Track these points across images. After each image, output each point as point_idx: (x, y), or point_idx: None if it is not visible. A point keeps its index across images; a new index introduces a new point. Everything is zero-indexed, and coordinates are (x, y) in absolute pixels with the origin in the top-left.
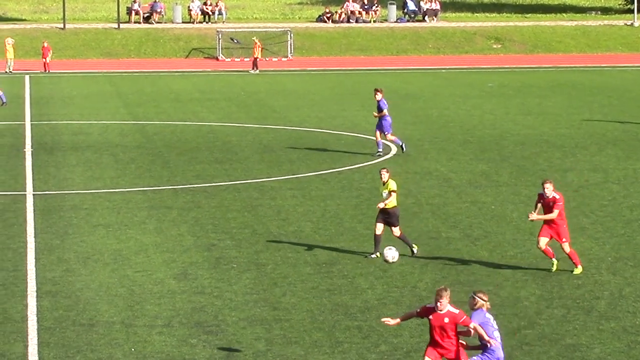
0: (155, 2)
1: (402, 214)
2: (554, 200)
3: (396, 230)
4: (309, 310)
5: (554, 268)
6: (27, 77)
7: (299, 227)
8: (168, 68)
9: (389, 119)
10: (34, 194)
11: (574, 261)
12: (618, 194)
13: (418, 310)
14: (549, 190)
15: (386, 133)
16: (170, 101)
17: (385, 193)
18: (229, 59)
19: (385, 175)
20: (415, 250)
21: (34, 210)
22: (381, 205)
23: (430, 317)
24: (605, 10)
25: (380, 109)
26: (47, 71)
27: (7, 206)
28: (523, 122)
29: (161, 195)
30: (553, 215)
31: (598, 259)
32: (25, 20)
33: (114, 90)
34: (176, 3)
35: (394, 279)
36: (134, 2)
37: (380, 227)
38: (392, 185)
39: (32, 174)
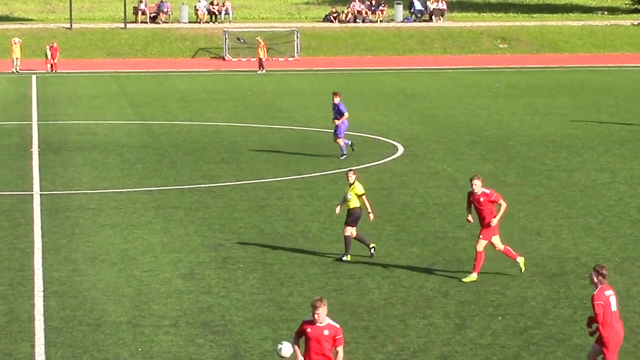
0: (162, 1)
1: (409, 214)
2: (486, 196)
3: (348, 230)
4: None
5: (522, 268)
6: (33, 77)
7: (306, 227)
8: (174, 68)
9: (346, 123)
10: (40, 194)
11: (475, 263)
12: (625, 194)
13: (297, 329)
14: (477, 187)
15: (338, 135)
16: (176, 101)
17: (349, 195)
18: (235, 59)
19: (351, 177)
20: (341, 256)
21: (41, 210)
22: (371, 216)
23: (309, 329)
24: (612, 10)
25: (341, 113)
26: (54, 71)
27: (14, 206)
28: (530, 122)
29: (168, 195)
30: (504, 205)
31: (605, 259)
32: (32, 20)
33: (121, 90)
34: (183, 3)
35: (401, 279)
36: (141, 1)
37: (349, 230)
38: (360, 188)
39: (39, 173)
